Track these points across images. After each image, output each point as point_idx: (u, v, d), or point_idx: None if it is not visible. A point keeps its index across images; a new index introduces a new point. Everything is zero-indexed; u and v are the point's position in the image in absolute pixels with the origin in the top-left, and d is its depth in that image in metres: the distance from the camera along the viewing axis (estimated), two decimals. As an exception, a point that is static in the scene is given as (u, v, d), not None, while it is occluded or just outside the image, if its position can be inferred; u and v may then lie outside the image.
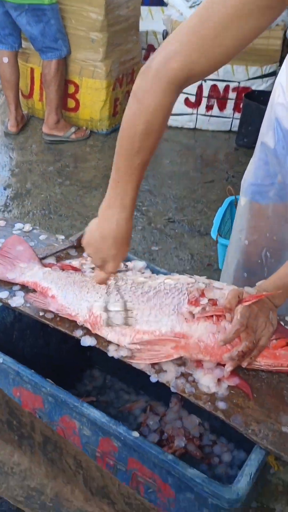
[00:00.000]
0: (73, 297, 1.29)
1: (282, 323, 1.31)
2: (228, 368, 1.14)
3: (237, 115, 3.79)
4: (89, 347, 1.24)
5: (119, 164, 1.08)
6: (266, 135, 1.37)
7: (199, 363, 1.17)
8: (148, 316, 1.19)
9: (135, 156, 1.05)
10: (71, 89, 3.71)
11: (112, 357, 1.20)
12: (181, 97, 3.88)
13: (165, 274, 1.39)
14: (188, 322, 1.16)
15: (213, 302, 1.19)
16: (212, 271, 2.50)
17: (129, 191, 1.09)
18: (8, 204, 2.98)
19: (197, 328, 1.15)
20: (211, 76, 3.62)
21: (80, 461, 0.97)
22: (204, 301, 1.18)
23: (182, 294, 1.20)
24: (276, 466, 1.19)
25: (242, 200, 1.51)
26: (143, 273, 1.40)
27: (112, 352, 1.20)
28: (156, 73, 0.97)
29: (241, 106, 3.71)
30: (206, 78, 3.44)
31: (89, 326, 1.25)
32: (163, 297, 1.21)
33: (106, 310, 1.23)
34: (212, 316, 1.16)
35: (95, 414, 1.13)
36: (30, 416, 1.06)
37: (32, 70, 3.73)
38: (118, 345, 1.21)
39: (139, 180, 1.09)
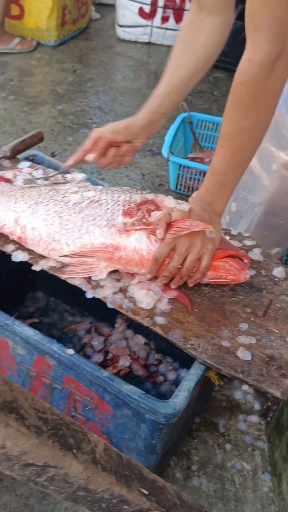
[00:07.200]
0: None
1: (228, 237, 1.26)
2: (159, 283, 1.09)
3: (194, 28, 3.58)
4: (31, 268, 1.15)
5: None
6: None
7: (134, 277, 1.10)
8: (80, 228, 1.10)
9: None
10: (14, -7, 3.40)
11: (56, 279, 1.11)
12: (135, 7, 3.62)
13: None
14: (121, 234, 1.08)
15: (149, 212, 1.09)
16: (163, 191, 2.41)
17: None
18: None
19: (131, 240, 1.07)
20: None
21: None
22: (139, 213, 1.09)
23: (117, 205, 1.11)
24: (217, 381, 1.17)
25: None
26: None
27: (40, 265, 1.12)
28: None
29: (198, 18, 3.50)
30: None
31: (15, 238, 1.16)
32: (97, 208, 1.11)
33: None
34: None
35: (28, 332, 1.06)
36: None
37: None
38: (49, 259, 1.13)
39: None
